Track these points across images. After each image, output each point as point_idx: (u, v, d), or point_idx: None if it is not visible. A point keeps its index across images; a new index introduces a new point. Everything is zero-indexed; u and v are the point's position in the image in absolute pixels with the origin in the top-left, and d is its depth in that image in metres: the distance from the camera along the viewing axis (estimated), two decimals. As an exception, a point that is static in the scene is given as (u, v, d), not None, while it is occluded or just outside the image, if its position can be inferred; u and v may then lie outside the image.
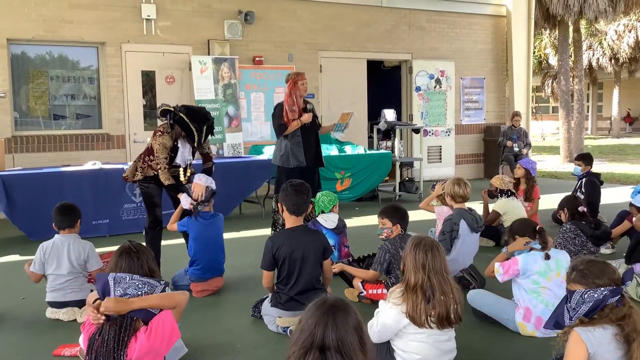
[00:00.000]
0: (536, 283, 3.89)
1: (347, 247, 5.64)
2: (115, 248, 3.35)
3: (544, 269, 3.87)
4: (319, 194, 5.50)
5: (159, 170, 5.02)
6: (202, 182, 5.00)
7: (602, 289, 2.62)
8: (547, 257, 3.93)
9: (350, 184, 9.22)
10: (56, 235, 4.48)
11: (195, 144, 4.93)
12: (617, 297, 2.61)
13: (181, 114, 4.85)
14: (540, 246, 3.98)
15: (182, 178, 5.19)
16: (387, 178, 10.50)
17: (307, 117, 6.50)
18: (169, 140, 4.98)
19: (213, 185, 5.11)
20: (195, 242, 5.03)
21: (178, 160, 5.13)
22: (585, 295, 2.63)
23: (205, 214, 5.08)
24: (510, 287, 4.14)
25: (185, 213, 5.19)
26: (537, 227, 4.08)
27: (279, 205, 4.13)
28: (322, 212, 5.50)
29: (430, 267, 3.11)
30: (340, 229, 5.54)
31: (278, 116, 6.57)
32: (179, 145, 5.06)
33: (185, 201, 4.99)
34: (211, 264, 5.05)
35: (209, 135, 5.15)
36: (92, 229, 7.09)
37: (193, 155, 5.28)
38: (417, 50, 12.14)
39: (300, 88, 6.48)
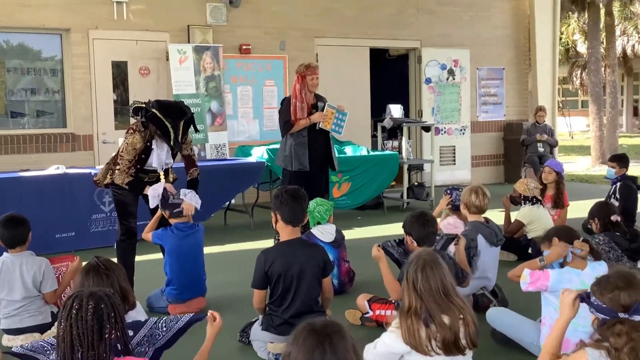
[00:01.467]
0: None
1: (348, 262, 5.64)
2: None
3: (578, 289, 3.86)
4: (312, 203, 5.50)
5: (117, 170, 5.04)
6: (193, 203, 5.06)
7: (594, 299, 2.77)
8: (598, 256, 4.00)
9: (349, 189, 9.21)
10: (5, 255, 4.38)
11: (172, 143, 4.93)
12: (602, 317, 2.73)
13: (153, 110, 4.88)
14: (580, 250, 3.98)
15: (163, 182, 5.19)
16: (394, 183, 10.49)
17: (317, 116, 6.55)
18: (140, 140, 5.00)
19: (198, 206, 5.14)
20: (171, 257, 5.03)
21: (154, 163, 5.13)
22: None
23: (183, 225, 5.08)
24: (536, 306, 4.14)
25: (162, 223, 5.19)
26: (582, 239, 4.08)
27: (272, 214, 4.14)
28: (318, 223, 5.50)
29: (422, 288, 3.11)
30: (339, 242, 5.54)
31: (284, 112, 6.63)
32: (153, 146, 5.07)
33: (153, 196, 4.96)
34: (190, 283, 5.05)
35: (189, 131, 5.17)
36: (55, 244, 7.06)
37: (173, 158, 5.28)
38: (426, 37, 12.17)
39: (309, 83, 6.52)
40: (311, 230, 5.47)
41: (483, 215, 5.14)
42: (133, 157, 5.04)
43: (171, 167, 5.35)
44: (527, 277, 3.90)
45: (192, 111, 5.17)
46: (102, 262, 3.19)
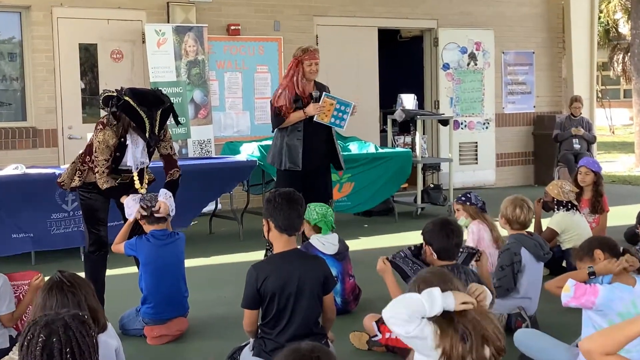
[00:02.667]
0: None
1: (353, 277, 5.65)
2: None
3: (628, 311, 3.84)
4: (312, 206, 5.51)
5: (96, 174, 5.07)
6: (169, 203, 5.08)
7: None
8: None
9: (352, 190, 9.16)
10: None
11: (147, 135, 4.95)
12: None
13: (126, 98, 4.91)
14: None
15: (137, 186, 5.21)
16: (406, 185, 10.47)
17: (312, 109, 6.51)
18: (113, 136, 5.02)
19: (172, 212, 5.15)
20: (146, 270, 5.04)
21: (128, 162, 5.14)
22: None
23: (160, 233, 5.08)
24: (572, 327, 4.14)
25: (135, 230, 5.19)
26: (622, 249, 4.09)
27: (264, 222, 4.14)
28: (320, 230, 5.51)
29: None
30: (343, 254, 5.54)
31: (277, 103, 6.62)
32: (128, 142, 5.08)
33: (130, 206, 4.98)
34: (170, 300, 5.05)
35: (168, 127, 5.19)
36: (10, 245, 7.12)
37: (150, 156, 5.29)
38: (444, 15, 12.17)
39: (307, 70, 6.51)
40: (309, 240, 5.46)
41: (525, 230, 5.25)
42: (109, 155, 5.05)
43: (147, 167, 5.35)
44: (572, 290, 3.84)
45: (171, 100, 5.17)
46: (67, 278, 3.18)
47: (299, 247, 4.44)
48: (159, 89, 5.58)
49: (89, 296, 3.18)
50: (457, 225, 4.39)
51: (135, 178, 5.21)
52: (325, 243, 5.42)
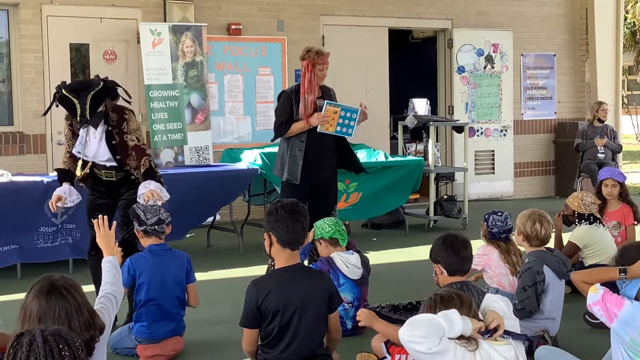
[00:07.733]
0: (636, 344, 3.87)
1: (367, 302, 5.62)
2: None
3: None
4: (321, 221, 5.53)
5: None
6: (157, 189, 5.26)
7: None
8: None
9: (359, 200, 9.15)
10: None
11: (78, 118, 5.37)
12: None
13: (63, 90, 5.40)
14: None
15: (78, 172, 5.59)
16: (418, 196, 10.46)
17: (315, 119, 6.52)
18: (65, 125, 5.69)
19: (165, 194, 5.31)
20: (141, 285, 5.04)
21: (86, 152, 5.52)
22: None
23: (159, 248, 5.12)
24: (596, 350, 4.12)
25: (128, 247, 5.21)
26: None
27: (265, 235, 4.14)
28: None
29: None
30: (365, 279, 5.54)
31: (280, 111, 6.63)
32: (81, 132, 5.55)
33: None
34: (165, 318, 5.05)
35: (134, 120, 5.62)
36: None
37: (115, 153, 5.53)
38: (459, 15, 12.18)
39: (319, 74, 6.55)
40: (331, 256, 5.45)
41: (544, 246, 5.25)
42: (66, 144, 5.68)
43: (134, 171, 5.55)
44: (599, 293, 3.87)
45: (108, 81, 5.57)
46: (61, 282, 3.13)
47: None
48: (106, 77, 5.78)
49: (85, 298, 3.17)
50: (463, 238, 4.39)
51: (78, 164, 5.59)
52: (349, 266, 5.40)
